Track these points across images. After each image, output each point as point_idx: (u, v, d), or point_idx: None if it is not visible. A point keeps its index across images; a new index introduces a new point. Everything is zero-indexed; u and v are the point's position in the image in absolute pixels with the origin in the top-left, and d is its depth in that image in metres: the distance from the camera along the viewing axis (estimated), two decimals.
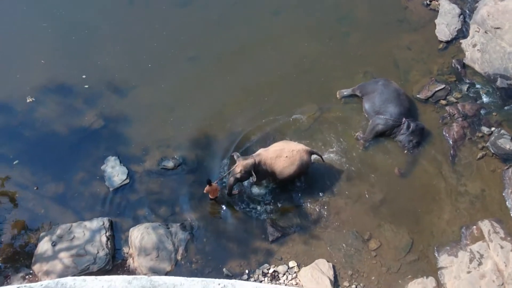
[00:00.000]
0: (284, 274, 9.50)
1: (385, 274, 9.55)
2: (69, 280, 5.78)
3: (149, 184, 10.57)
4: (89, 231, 9.69)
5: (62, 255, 9.42)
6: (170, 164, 10.73)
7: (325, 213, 10.20)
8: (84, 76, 11.97)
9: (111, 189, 10.44)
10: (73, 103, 11.58)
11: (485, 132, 11.16)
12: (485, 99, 11.72)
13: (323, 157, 10.52)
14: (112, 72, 12.09)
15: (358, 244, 9.84)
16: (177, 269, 9.49)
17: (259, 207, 10.28)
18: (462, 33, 12.81)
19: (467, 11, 13.18)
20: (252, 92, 11.85)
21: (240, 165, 9.66)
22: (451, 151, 10.95)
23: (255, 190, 10.47)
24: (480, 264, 9.34)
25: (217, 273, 9.42)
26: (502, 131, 10.97)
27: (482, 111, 11.51)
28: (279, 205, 10.31)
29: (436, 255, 9.69)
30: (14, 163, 10.70)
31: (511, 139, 10.78)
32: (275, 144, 10.22)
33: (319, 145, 11.00)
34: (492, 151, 10.84)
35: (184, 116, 11.45)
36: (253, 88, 11.91)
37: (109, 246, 9.63)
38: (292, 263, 9.63)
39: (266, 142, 10.90)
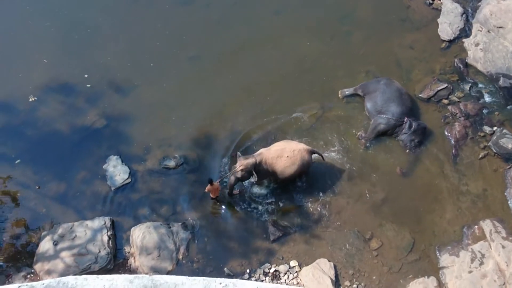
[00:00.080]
0: (285, 273, 9.50)
1: (387, 273, 9.54)
2: (70, 279, 5.79)
3: (151, 184, 10.59)
4: (90, 230, 9.71)
5: (64, 254, 9.43)
6: (171, 163, 10.74)
7: (326, 212, 10.19)
8: (86, 75, 12.00)
9: (112, 188, 10.46)
10: (75, 102, 11.60)
11: (487, 131, 11.12)
12: (487, 98, 11.68)
13: (323, 155, 10.51)
14: (114, 71, 12.11)
15: (359, 244, 9.83)
16: (179, 269, 9.49)
17: (260, 207, 10.28)
18: (465, 32, 12.77)
19: (470, 10, 13.13)
20: (254, 91, 11.85)
21: (241, 164, 9.65)
22: (453, 151, 10.92)
23: (256, 190, 10.46)
24: (481, 264, 9.32)
25: (218, 273, 9.43)
26: (505, 131, 10.94)
27: (484, 111, 11.48)
28: (280, 204, 10.31)
29: (438, 254, 9.67)
30: (16, 162, 10.73)
31: None
32: (276, 143, 10.21)
33: (320, 144, 10.98)
34: (494, 150, 10.81)
35: (186, 115, 11.46)
36: (254, 87, 11.91)
37: (111, 245, 9.65)
38: (293, 263, 9.63)
39: (267, 141, 10.90)
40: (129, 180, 10.55)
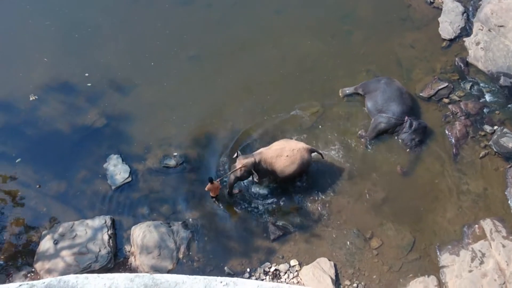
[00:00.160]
0: (285, 272, 9.50)
1: (387, 272, 9.53)
2: (71, 278, 5.77)
3: (151, 183, 10.59)
4: (91, 229, 9.72)
5: (64, 253, 9.44)
6: (172, 162, 10.75)
7: (327, 211, 10.19)
8: (86, 75, 12.00)
9: (113, 188, 10.46)
10: (76, 102, 11.61)
11: (487, 130, 11.11)
12: (488, 97, 11.67)
13: (323, 154, 10.50)
14: (114, 70, 12.11)
15: (359, 243, 9.83)
16: (179, 267, 9.49)
17: (260, 206, 10.28)
18: (466, 31, 12.76)
19: (471, 9, 13.12)
20: (254, 90, 11.85)
21: (241, 163, 9.65)
22: (454, 150, 10.91)
23: (256, 189, 10.46)
24: (481, 263, 9.31)
25: (218, 272, 9.43)
26: (505, 130, 10.92)
27: (485, 110, 11.47)
28: (281, 204, 10.30)
29: (438, 253, 9.66)
30: (17, 161, 10.74)
31: None
32: (276, 143, 10.20)
33: (321, 143, 10.98)
34: (494, 149, 10.79)
35: (186, 114, 11.46)
36: (255, 87, 11.91)
37: (111, 244, 9.65)
38: (293, 262, 9.62)
39: (267, 140, 10.89)
40: (130, 179, 10.55)
